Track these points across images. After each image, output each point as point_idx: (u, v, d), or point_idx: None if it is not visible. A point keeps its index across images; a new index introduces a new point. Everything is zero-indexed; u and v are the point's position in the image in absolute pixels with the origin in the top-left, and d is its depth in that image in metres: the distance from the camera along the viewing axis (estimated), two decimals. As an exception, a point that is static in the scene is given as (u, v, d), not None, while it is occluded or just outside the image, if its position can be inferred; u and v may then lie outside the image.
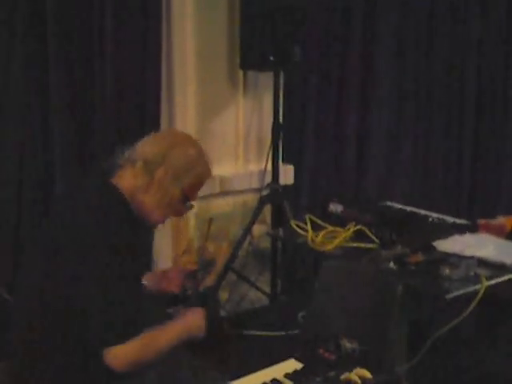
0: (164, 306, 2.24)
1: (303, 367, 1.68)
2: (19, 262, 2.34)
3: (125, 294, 1.64)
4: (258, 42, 3.07)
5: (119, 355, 1.63)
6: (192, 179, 1.83)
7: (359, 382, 1.52)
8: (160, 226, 3.28)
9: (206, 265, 2.24)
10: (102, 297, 1.62)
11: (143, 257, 1.85)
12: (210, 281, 2.14)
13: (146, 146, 1.80)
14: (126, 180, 1.77)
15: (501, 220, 2.68)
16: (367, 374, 1.56)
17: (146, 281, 2.08)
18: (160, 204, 1.80)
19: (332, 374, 1.54)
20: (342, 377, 1.53)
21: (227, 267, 3.17)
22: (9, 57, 2.77)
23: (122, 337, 1.62)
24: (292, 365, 1.69)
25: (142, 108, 3.13)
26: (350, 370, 1.56)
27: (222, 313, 3.11)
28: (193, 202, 1.93)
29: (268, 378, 1.61)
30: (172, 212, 1.87)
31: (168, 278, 2.11)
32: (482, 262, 2.23)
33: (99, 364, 1.62)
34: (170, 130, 1.91)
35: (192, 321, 1.85)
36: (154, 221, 1.84)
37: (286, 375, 1.63)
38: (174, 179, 1.79)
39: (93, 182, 1.82)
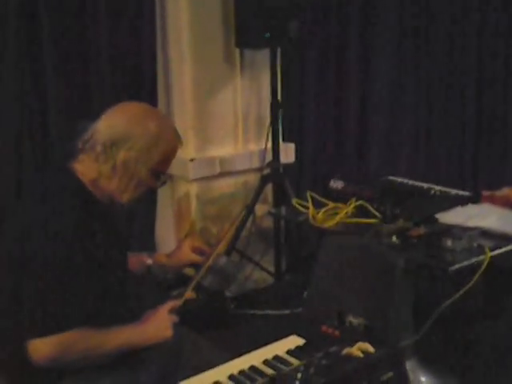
0: (166, 289, 2.23)
1: (305, 343, 1.66)
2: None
3: (65, 287, 1.58)
4: (254, 19, 3.02)
5: (40, 348, 1.56)
6: (158, 157, 1.71)
7: (361, 356, 1.51)
8: (161, 210, 3.34)
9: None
10: (38, 287, 1.57)
11: (109, 244, 1.73)
12: (220, 249, 2.07)
13: (104, 127, 1.69)
14: (88, 166, 1.69)
15: (505, 191, 2.65)
16: (370, 349, 1.55)
17: (158, 260, 2.05)
18: (128, 187, 1.70)
19: (334, 348, 1.52)
20: (344, 351, 1.51)
21: (231, 248, 3.16)
22: (2, 27, 2.76)
23: (47, 330, 1.56)
24: (294, 341, 1.68)
25: (137, 92, 3.11)
26: (353, 345, 1.55)
27: (227, 293, 3.11)
28: (168, 174, 1.83)
29: (270, 355, 1.59)
30: (144, 190, 1.77)
31: (180, 248, 2.05)
32: (486, 233, 2.21)
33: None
34: (126, 106, 1.76)
35: (149, 328, 1.73)
36: (124, 202, 1.74)
37: (288, 351, 1.61)
38: (138, 161, 1.68)
39: (53, 168, 1.77)
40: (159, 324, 1.74)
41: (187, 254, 2.00)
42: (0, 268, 1.67)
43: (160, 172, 1.77)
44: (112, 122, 1.70)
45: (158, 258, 2.05)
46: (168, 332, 1.74)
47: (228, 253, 3.11)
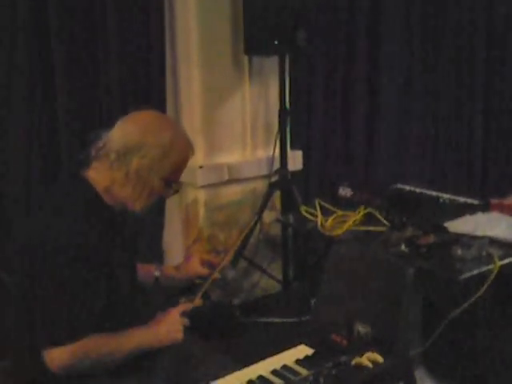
0: (174, 295, 2.23)
1: (314, 353, 1.66)
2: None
3: (78, 297, 1.60)
4: (262, 26, 3.02)
5: (55, 358, 1.59)
6: (170, 166, 1.74)
7: (371, 366, 1.50)
8: (169, 216, 3.34)
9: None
10: (50, 297, 1.58)
11: (118, 251, 1.75)
12: (227, 260, 2.07)
13: (118, 135, 1.71)
14: (101, 173, 1.71)
15: (514, 199, 2.64)
16: (379, 358, 1.54)
17: (166, 273, 2.04)
18: (141, 195, 1.72)
19: (343, 358, 1.52)
20: (353, 361, 1.51)
21: (238, 255, 3.15)
22: (12, 32, 2.76)
23: (61, 339, 1.58)
24: (303, 351, 1.67)
25: (146, 99, 3.12)
26: (362, 355, 1.54)
27: (235, 300, 3.10)
28: (180, 182, 1.84)
29: (279, 365, 1.59)
30: (156, 198, 1.79)
31: (189, 261, 2.05)
32: (495, 242, 2.19)
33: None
34: (140, 115, 1.79)
35: (161, 330, 1.73)
36: (136, 210, 1.76)
37: (297, 361, 1.61)
38: (151, 170, 1.70)
39: (66, 176, 1.79)
40: (170, 326, 1.75)
41: (195, 267, 2.01)
42: (12, 278, 1.68)
43: (172, 181, 1.78)
44: (126, 131, 1.72)
45: (166, 271, 2.05)
46: (179, 334, 1.75)
47: (235, 260, 3.10)
